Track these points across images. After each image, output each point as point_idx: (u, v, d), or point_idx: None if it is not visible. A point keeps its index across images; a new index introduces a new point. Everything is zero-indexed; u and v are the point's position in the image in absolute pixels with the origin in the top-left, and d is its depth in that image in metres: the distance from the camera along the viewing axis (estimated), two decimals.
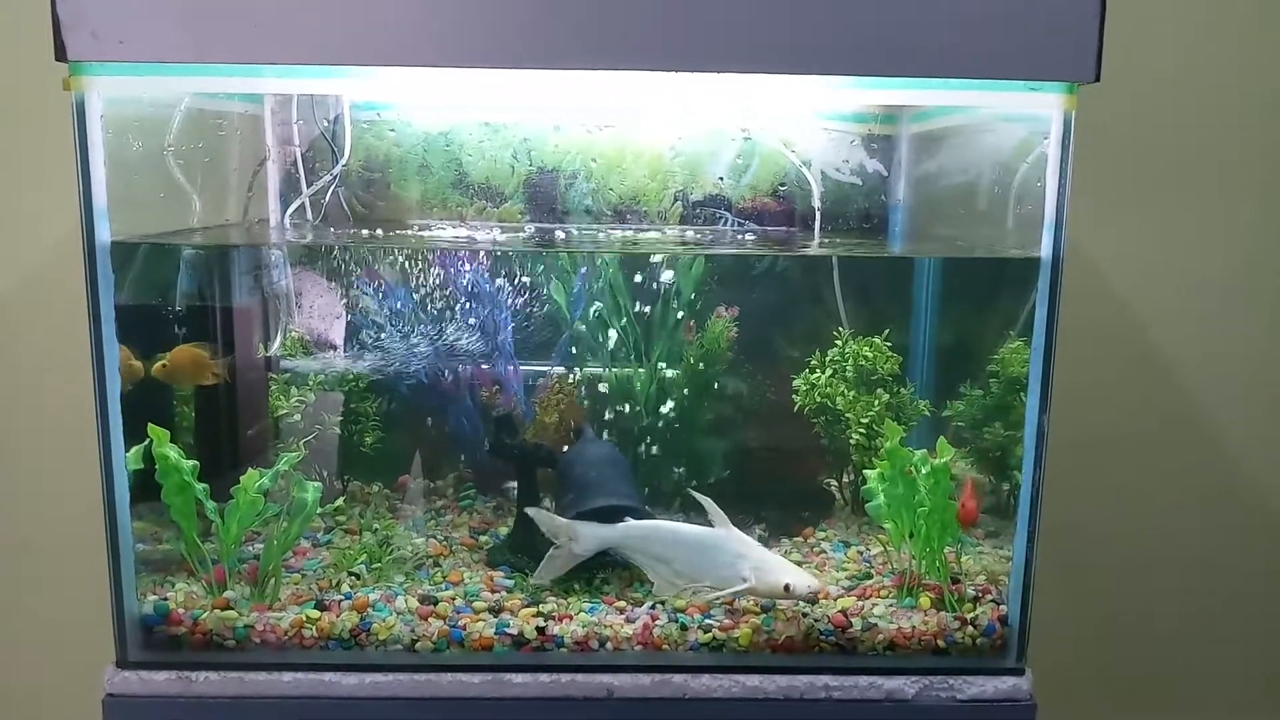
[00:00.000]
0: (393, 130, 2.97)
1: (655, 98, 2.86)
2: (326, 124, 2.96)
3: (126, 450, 2.21)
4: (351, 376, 2.79)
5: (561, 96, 2.85)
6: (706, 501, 2.32)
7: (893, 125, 3.10)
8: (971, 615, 2.29)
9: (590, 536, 2.34)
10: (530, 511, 2.37)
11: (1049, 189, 2.13)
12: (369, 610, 2.28)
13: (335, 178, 2.94)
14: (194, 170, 2.62)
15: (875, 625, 2.26)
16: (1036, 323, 2.18)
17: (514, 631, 2.23)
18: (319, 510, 2.36)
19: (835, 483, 2.95)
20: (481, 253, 2.79)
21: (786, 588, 2.19)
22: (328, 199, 2.94)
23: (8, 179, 3.06)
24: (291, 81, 2.55)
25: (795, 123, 3.05)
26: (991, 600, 2.35)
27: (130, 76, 2.09)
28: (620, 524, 2.35)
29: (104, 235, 2.10)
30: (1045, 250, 2.15)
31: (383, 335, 2.71)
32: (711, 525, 2.31)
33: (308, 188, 2.92)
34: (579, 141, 2.98)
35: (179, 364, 2.35)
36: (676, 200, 3.00)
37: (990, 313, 2.79)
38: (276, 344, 2.70)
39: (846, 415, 2.76)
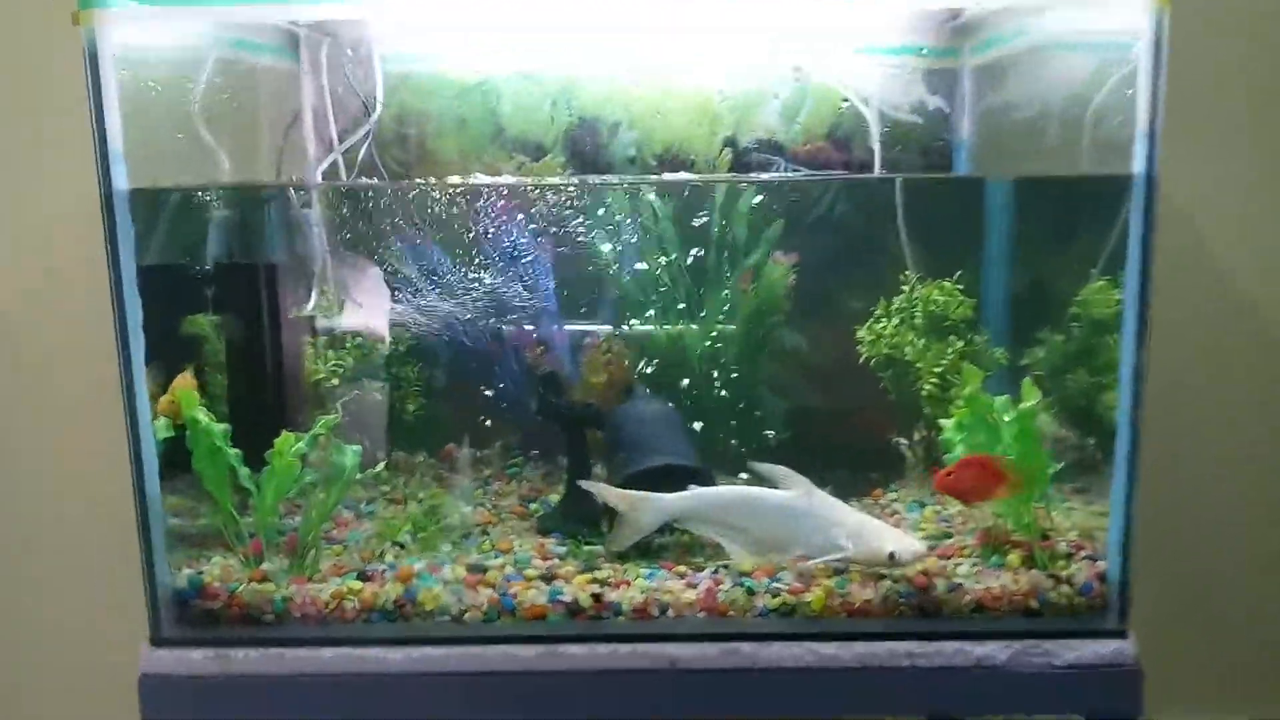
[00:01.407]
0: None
1: (701, 32, 2.68)
2: (356, 77, 2.81)
3: (154, 418, 2.09)
4: (390, 340, 2.65)
5: (602, 37, 2.70)
6: (775, 469, 2.14)
7: (953, 59, 2.90)
8: (1066, 573, 2.10)
9: (655, 509, 2.18)
10: (585, 485, 2.22)
11: (1140, 97, 1.92)
12: (414, 580, 2.14)
13: (369, 133, 2.79)
14: (222, 128, 2.49)
15: (960, 586, 2.08)
16: (1130, 247, 1.98)
17: (568, 599, 2.08)
18: (359, 475, 2.21)
19: (905, 440, 2.75)
20: (521, 202, 2.62)
21: (891, 556, 2.02)
22: (361, 155, 2.79)
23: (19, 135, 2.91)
24: (314, 7, 2.41)
25: (850, 59, 2.85)
26: (1086, 556, 2.16)
27: (145, 5, 1.95)
28: (687, 492, 2.18)
29: (121, 182, 1.98)
30: (1138, 165, 1.94)
31: (419, 295, 2.55)
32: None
33: (340, 144, 2.78)
34: (621, 89, 2.81)
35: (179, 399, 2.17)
36: (726, 147, 2.82)
37: (1071, 247, 2.58)
38: (312, 304, 2.56)
39: (917, 365, 2.57)
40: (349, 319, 2.65)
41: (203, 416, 2.11)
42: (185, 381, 2.19)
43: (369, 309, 2.67)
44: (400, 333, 2.66)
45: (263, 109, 2.78)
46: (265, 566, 2.16)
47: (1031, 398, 2.05)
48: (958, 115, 2.89)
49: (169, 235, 2.32)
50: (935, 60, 2.88)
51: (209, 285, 2.37)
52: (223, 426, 2.13)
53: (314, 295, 2.55)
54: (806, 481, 2.11)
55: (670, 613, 2.08)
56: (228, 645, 2.06)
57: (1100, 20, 2.25)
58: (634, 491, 2.17)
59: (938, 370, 2.53)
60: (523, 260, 2.61)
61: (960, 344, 2.55)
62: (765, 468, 2.14)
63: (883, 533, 2.05)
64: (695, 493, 2.18)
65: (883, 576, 2.11)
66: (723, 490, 2.21)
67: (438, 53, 2.83)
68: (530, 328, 2.68)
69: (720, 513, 2.16)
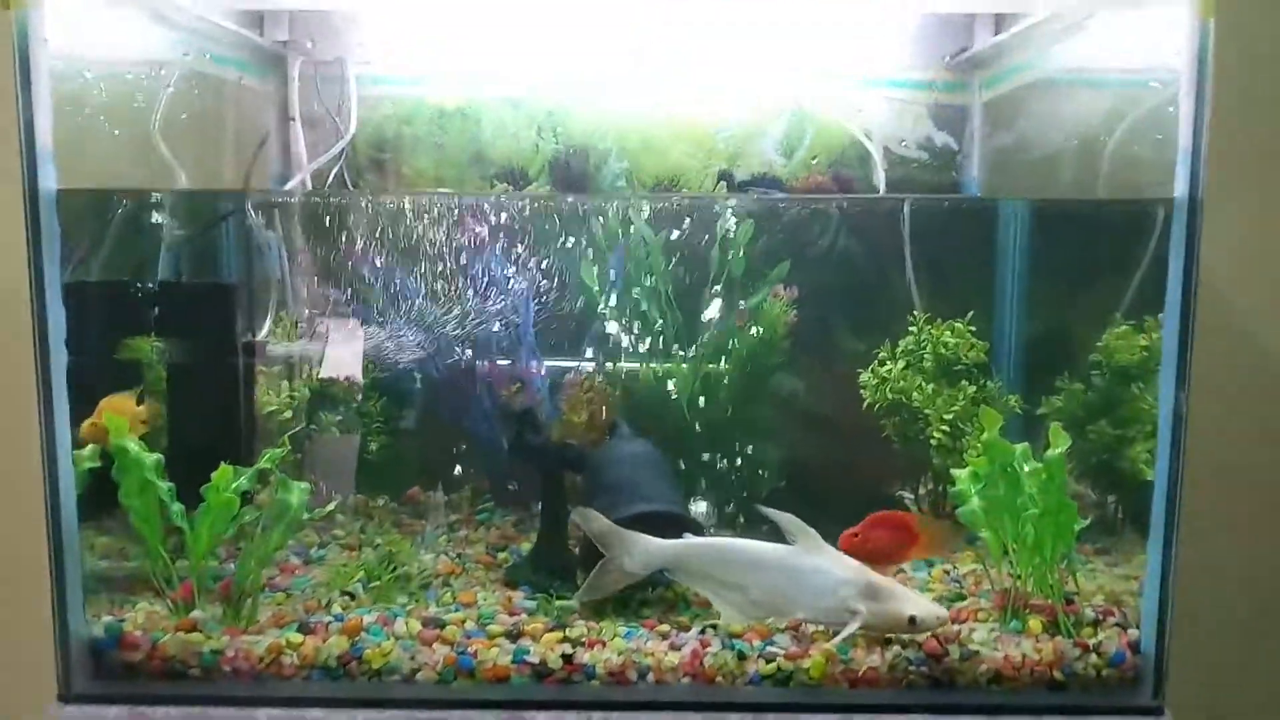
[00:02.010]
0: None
1: (699, 59, 2.54)
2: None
3: (76, 446, 1.87)
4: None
5: (591, 61, 2.55)
6: (783, 517, 1.92)
7: (963, 93, 2.75)
8: (1094, 641, 1.87)
9: (647, 551, 1.95)
10: (577, 513, 1.98)
11: (1183, 112, 1.74)
12: (362, 634, 1.90)
13: (342, 153, 2.61)
14: (184, 143, 2.31)
15: (976, 653, 1.85)
16: (1171, 276, 1.78)
17: (535, 659, 1.84)
18: (306, 516, 1.98)
19: (911, 493, 2.53)
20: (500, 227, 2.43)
21: (912, 620, 1.79)
22: (331, 177, 2.61)
23: None
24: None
25: (853, 91, 2.70)
26: (1116, 623, 1.93)
27: None
28: (683, 540, 1.96)
29: (49, 183, 1.77)
30: (1180, 188, 1.76)
31: (386, 324, 2.35)
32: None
33: (309, 164, 2.60)
34: (611, 117, 2.64)
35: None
36: (721, 181, 2.64)
37: (1092, 288, 2.40)
38: (266, 329, 2.35)
39: (925, 412, 2.36)
40: (327, 368, 2.44)
41: (133, 446, 1.88)
42: (116, 405, 1.97)
43: (348, 357, 2.47)
44: (363, 363, 2.45)
45: (230, 126, 2.61)
46: (196, 614, 1.93)
47: (1061, 443, 1.83)
48: (967, 151, 2.74)
49: (112, 248, 2.13)
50: (945, 94, 2.74)
51: (152, 304, 2.16)
52: (155, 457, 1.90)
53: (269, 320, 2.33)
54: (814, 534, 1.88)
55: (650, 677, 1.84)
56: (146, 702, 1.84)
57: (1128, 45, 2.10)
58: (628, 530, 1.95)
59: (949, 417, 2.32)
60: (499, 289, 2.41)
61: (972, 389, 2.35)
62: (773, 514, 1.92)
63: (900, 594, 1.83)
64: (690, 541, 1.95)
65: (889, 641, 1.87)
66: (720, 541, 1.98)
67: (418, 75, 2.67)
68: (506, 361, 2.47)
69: (716, 566, 1.93)
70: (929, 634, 1.85)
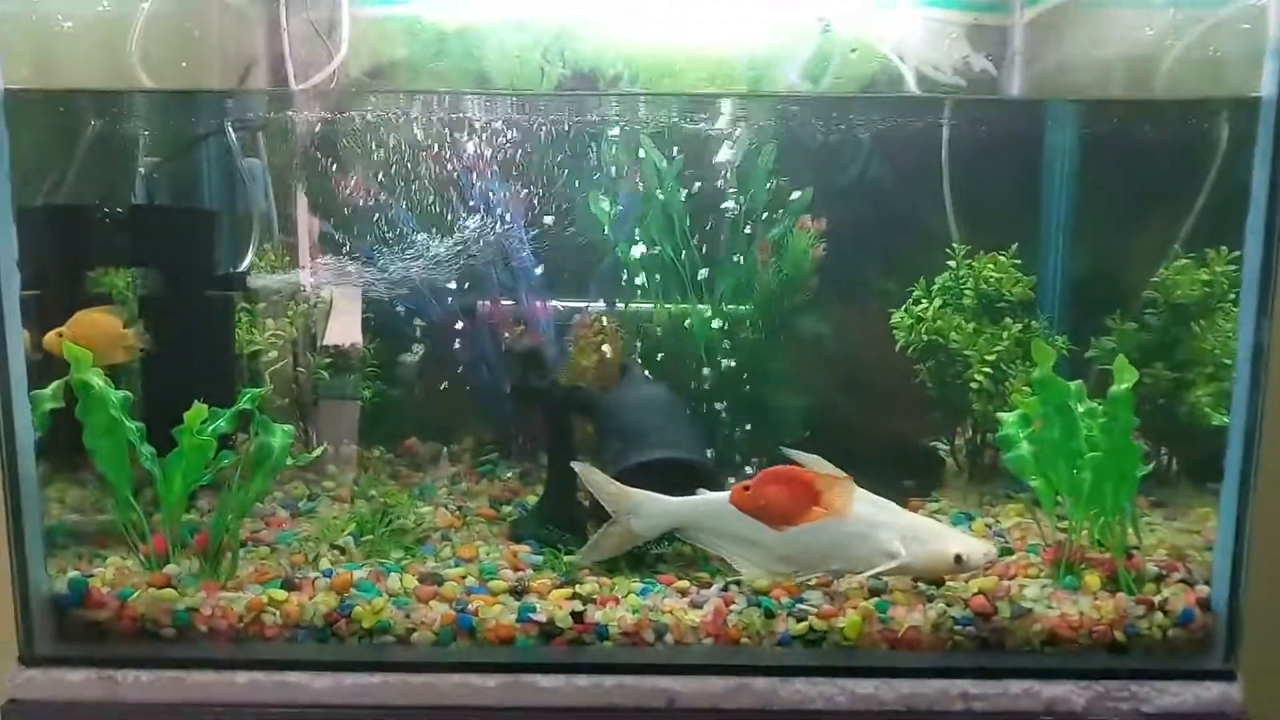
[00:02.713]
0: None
1: None
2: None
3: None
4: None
5: None
6: (809, 459, 1.74)
7: (1003, 15, 2.54)
8: (1159, 598, 1.69)
9: (657, 512, 1.78)
10: (578, 467, 1.81)
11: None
12: (352, 591, 1.72)
13: (333, 78, 2.41)
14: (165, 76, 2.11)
15: (1028, 612, 1.67)
16: (1255, 190, 1.59)
17: (542, 618, 1.67)
18: (289, 462, 1.80)
19: (946, 444, 2.35)
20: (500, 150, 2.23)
21: (958, 559, 1.64)
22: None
23: None
24: None
25: (885, 10, 2.48)
26: (1180, 580, 1.75)
27: None
28: (699, 497, 1.78)
29: None
30: (1267, 87, 1.56)
31: (376, 255, 2.16)
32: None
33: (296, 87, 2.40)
34: (622, 39, 2.43)
35: (79, 339, 1.75)
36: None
37: (1149, 215, 2.21)
38: (248, 259, 2.16)
39: (965, 353, 2.17)
40: (331, 335, 2.27)
41: (97, 381, 1.70)
42: (95, 321, 1.78)
43: (348, 322, 2.29)
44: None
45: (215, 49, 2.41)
46: (170, 569, 1.76)
47: (1127, 378, 1.64)
48: (1006, 78, 2.52)
49: (78, 168, 1.95)
50: (984, 14, 2.52)
51: (122, 231, 1.97)
52: (122, 394, 1.73)
53: (251, 250, 2.14)
54: (846, 478, 1.70)
55: (669, 638, 1.68)
56: (116, 665, 1.70)
57: None
58: (636, 490, 1.77)
59: (991, 358, 2.13)
60: (501, 221, 2.22)
61: (1017, 327, 2.16)
62: (798, 456, 1.73)
63: (943, 533, 1.70)
64: (706, 498, 1.77)
65: (932, 599, 1.70)
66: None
67: None
68: (509, 301, 2.29)
69: (736, 523, 1.75)
70: (977, 586, 1.68)
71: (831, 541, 1.71)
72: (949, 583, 1.75)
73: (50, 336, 1.74)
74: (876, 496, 1.74)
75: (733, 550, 1.79)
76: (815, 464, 1.74)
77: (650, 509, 1.78)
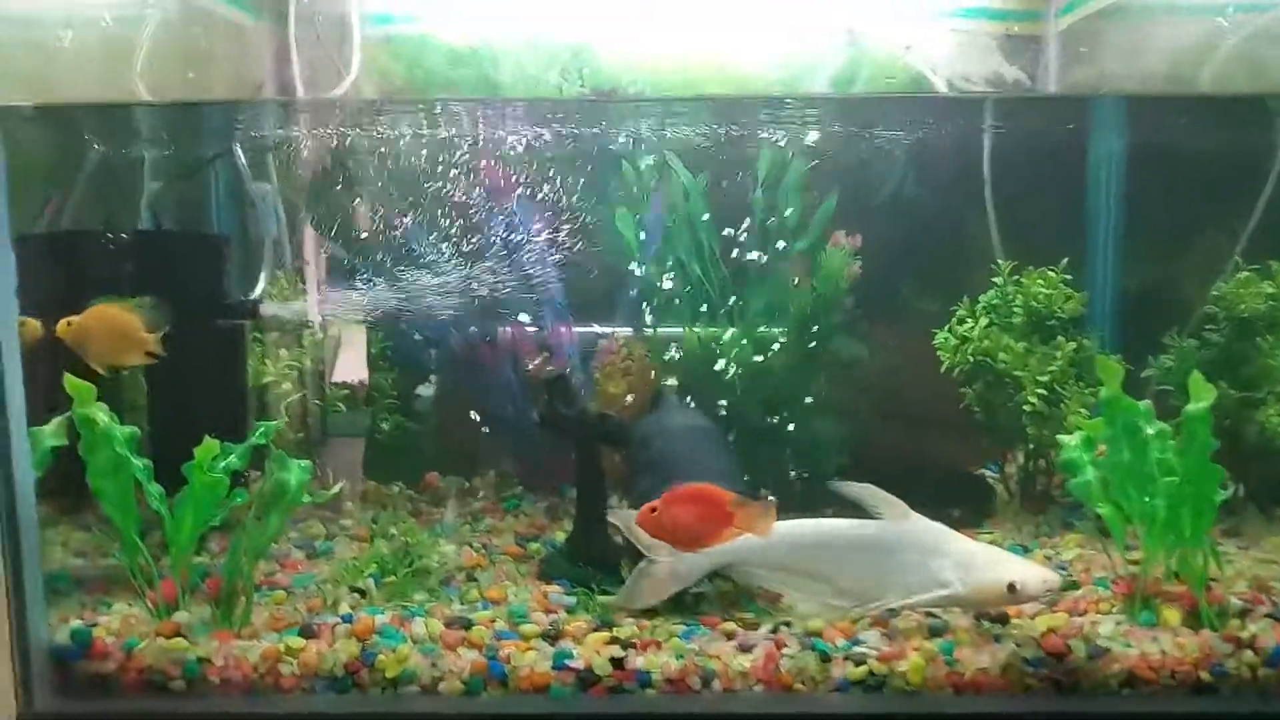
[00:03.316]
0: None
1: None
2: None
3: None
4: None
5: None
6: (862, 489, 1.64)
7: (1037, 23, 2.45)
8: (1247, 634, 1.56)
9: (698, 556, 1.65)
10: (614, 517, 1.71)
11: None
12: (374, 637, 1.60)
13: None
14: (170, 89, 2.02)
15: (1106, 652, 1.54)
16: None
17: (579, 665, 1.54)
18: (306, 500, 1.69)
19: (995, 470, 2.22)
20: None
21: (1012, 588, 1.50)
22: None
23: None
24: None
25: (914, 21, 2.39)
26: (1267, 615, 1.63)
27: None
28: (740, 540, 1.66)
29: None
30: None
31: (396, 282, 2.05)
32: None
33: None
34: (644, 54, 2.34)
35: (92, 330, 1.65)
36: None
37: (1204, 226, 2.11)
38: (260, 287, 2.05)
39: (1015, 374, 2.06)
40: (340, 373, 2.17)
41: (101, 416, 1.60)
42: (110, 316, 1.65)
43: (356, 361, 2.20)
44: (370, 332, 2.17)
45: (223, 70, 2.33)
46: (179, 617, 1.65)
47: (1204, 396, 1.53)
48: (1041, 87, 2.43)
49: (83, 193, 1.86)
50: (1017, 24, 2.43)
51: (127, 258, 1.88)
52: (128, 430, 1.62)
53: (263, 279, 2.04)
54: (900, 504, 1.59)
55: (716, 684, 1.55)
56: None
57: None
58: None
59: (1044, 379, 2.02)
60: (525, 243, 2.12)
61: (1072, 346, 2.04)
62: (850, 487, 1.62)
63: (998, 561, 1.57)
64: (748, 539, 1.65)
65: (999, 638, 1.57)
66: (786, 526, 1.67)
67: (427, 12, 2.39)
68: (534, 327, 2.19)
69: (786, 557, 1.63)
70: (1046, 624, 1.55)
71: (886, 572, 1.59)
72: (1014, 619, 1.63)
73: (62, 325, 1.63)
74: (932, 522, 1.62)
75: (789, 584, 1.67)
76: (869, 495, 1.63)
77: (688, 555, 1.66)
